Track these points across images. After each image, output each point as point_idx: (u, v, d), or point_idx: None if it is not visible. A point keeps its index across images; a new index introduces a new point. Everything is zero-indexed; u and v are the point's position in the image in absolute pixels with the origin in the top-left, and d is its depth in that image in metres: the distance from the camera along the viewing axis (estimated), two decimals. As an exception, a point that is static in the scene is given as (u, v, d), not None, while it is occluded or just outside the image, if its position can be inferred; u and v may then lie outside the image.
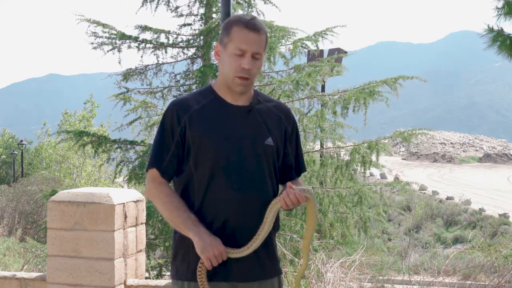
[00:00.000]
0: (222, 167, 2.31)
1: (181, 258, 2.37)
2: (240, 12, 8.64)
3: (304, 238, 2.41)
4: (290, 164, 2.49)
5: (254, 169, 2.34)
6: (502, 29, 7.20)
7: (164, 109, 2.54)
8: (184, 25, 9.06)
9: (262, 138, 2.38)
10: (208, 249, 2.25)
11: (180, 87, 9.00)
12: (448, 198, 26.76)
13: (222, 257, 2.27)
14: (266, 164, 2.38)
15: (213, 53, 8.88)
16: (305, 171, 2.59)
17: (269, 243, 2.41)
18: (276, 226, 2.45)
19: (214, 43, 8.72)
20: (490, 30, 7.23)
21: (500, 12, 7.10)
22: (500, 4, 7.10)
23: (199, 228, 2.28)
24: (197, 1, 9.00)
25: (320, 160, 8.81)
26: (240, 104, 2.40)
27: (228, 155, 2.32)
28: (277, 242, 2.53)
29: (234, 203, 2.31)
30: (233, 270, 2.33)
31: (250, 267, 2.35)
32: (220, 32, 2.41)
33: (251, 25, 2.31)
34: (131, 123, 9.14)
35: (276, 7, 8.95)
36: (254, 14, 8.78)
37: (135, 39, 8.81)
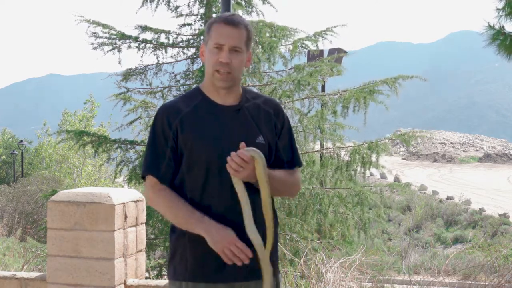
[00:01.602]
0: (215, 169, 2.31)
1: (179, 258, 2.37)
2: (239, 12, 8.64)
3: (264, 210, 2.30)
4: (283, 159, 2.47)
5: None
6: (503, 27, 7.12)
7: (153, 119, 2.50)
8: (184, 25, 9.06)
9: (253, 137, 2.37)
10: (218, 243, 2.24)
11: (180, 87, 9.00)
12: (448, 198, 26.77)
13: (237, 246, 2.24)
14: None
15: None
16: (301, 165, 2.54)
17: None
18: (275, 222, 2.44)
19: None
20: (491, 27, 7.15)
21: (501, 13, 7.03)
22: (500, 5, 7.03)
23: (204, 223, 2.27)
24: (197, 1, 9.00)
25: (320, 160, 8.81)
26: (229, 104, 2.39)
27: (220, 157, 2.31)
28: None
29: (229, 205, 2.31)
30: (230, 270, 2.33)
31: (247, 266, 2.34)
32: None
33: (229, 20, 2.33)
34: (131, 123, 9.14)
35: (273, 7, 8.94)
36: (254, 14, 8.78)
37: (135, 39, 8.81)
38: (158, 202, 2.36)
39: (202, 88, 2.43)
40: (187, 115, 2.36)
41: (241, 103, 2.41)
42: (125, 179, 9.22)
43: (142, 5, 9.00)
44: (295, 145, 2.54)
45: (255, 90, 2.58)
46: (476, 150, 54.13)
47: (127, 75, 9.03)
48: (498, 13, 7.03)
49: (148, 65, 9.08)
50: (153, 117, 9.50)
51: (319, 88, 9.34)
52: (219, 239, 2.24)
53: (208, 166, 2.32)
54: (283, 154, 2.46)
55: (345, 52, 10.77)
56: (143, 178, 2.43)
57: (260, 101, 2.46)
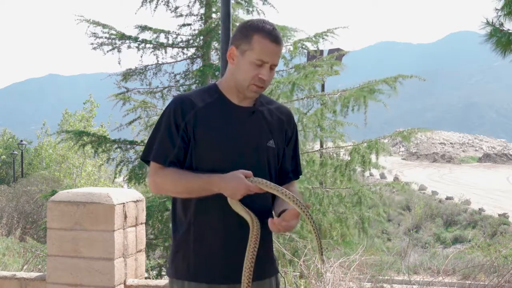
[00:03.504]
0: (224, 168, 2.31)
1: (182, 257, 2.37)
2: (240, 12, 8.65)
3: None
4: (288, 167, 2.50)
5: (256, 171, 2.34)
6: (501, 24, 7.06)
7: (164, 109, 2.48)
8: (184, 25, 9.06)
9: (265, 140, 2.39)
10: (234, 195, 2.24)
11: (180, 87, 9.01)
12: (447, 198, 26.78)
13: (251, 189, 2.24)
14: (267, 166, 2.39)
15: (212, 53, 8.87)
16: (301, 174, 2.60)
17: (266, 243, 2.41)
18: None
19: (214, 43, 8.72)
20: (489, 24, 7.10)
21: (500, 13, 6.99)
22: (500, 5, 6.98)
23: (214, 181, 2.25)
24: (196, 1, 9.00)
25: (320, 160, 8.82)
26: (244, 105, 2.40)
27: (230, 156, 2.32)
28: (276, 242, 2.52)
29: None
30: (231, 272, 2.33)
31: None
32: (236, 33, 2.38)
33: (274, 37, 2.31)
34: (130, 123, 9.15)
35: (274, 7, 8.94)
36: (255, 14, 8.78)
37: (135, 39, 8.81)
38: (164, 182, 2.32)
39: (219, 86, 2.42)
40: (201, 110, 2.35)
41: (256, 106, 2.42)
42: (125, 179, 9.23)
43: (142, 5, 9.00)
44: (299, 153, 2.57)
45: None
46: (476, 150, 54.14)
47: (127, 75, 9.03)
48: (497, 13, 6.97)
49: (147, 65, 9.09)
50: (152, 117, 9.49)
51: (319, 88, 9.35)
52: (234, 191, 2.23)
53: (217, 165, 2.31)
54: (288, 162, 2.49)
55: (345, 52, 10.76)
56: (145, 161, 2.39)
57: (273, 107, 2.49)
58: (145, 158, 2.39)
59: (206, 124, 2.33)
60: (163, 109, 2.43)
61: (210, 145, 2.32)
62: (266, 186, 2.26)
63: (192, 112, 2.33)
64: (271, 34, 2.30)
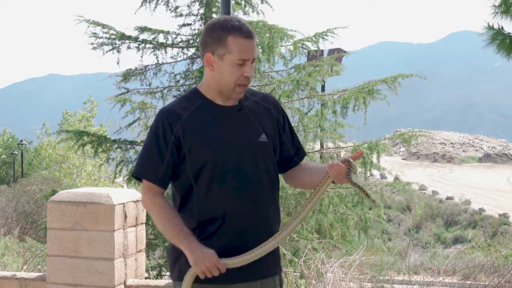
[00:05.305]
0: (220, 172, 2.31)
1: (185, 260, 2.36)
2: (240, 12, 8.64)
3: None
4: (290, 153, 2.49)
5: (252, 169, 2.34)
6: (502, 27, 7.09)
7: (151, 124, 2.49)
8: (184, 25, 9.05)
9: (256, 136, 2.37)
10: (200, 262, 2.26)
11: (180, 87, 9.00)
12: (448, 198, 26.76)
13: (217, 269, 2.27)
14: (263, 162, 2.37)
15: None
16: (306, 154, 2.58)
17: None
18: (278, 220, 2.45)
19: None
20: (490, 28, 7.12)
21: (497, 10, 6.99)
22: (497, 2, 6.99)
23: (190, 242, 2.28)
24: (196, 1, 9.00)
25: (320, 160, 8.81)
26: (230, 105, 2.38)
27: (223, 158, 2.31)
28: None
29: (236, 207, 2.31)
30: (236, 270, 2.33)
31: (253, 265, 2.35)
32: (206, 38, 2.33)
33: (246, 32, 2.29)
34: (129, 125, 9.13)
35: (270, 6, 8.91)
36: (254, 14, 8.77)
37: (135, 39, 8.81)
38: (151, 208, 2.37)
39: (200, 90, 2.41)
40: (188, 119, 2.34)
41: (241, 102, 2.41)
42: (124, 179, 9.22)
43: (141, 5, 8.99)
44: (296, 136, 2.56)
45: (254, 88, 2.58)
46: (476, 150, 54.13)
47: (127, 75, 9.02)
48: (495, 10, 6.97)
49: (147, 66, 9.08)
50: (151, 118, 9.53)
51: (319, 88, 9.34)
52: (200, 260, 2.26)
53: (213, 170, 2.31)
54: (288, 148, 2.48)
55: (345, 52, 10.76)
56: (137, 178, 2.41)
57: (258, 98, 2.47)
58: (137, 175, 2.40)
59: (195, 131, 2.32)
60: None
61: (201, 150, 2.31)
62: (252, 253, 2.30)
63: (179, 123, 2.32)
64: (243, 31, 2.28)
